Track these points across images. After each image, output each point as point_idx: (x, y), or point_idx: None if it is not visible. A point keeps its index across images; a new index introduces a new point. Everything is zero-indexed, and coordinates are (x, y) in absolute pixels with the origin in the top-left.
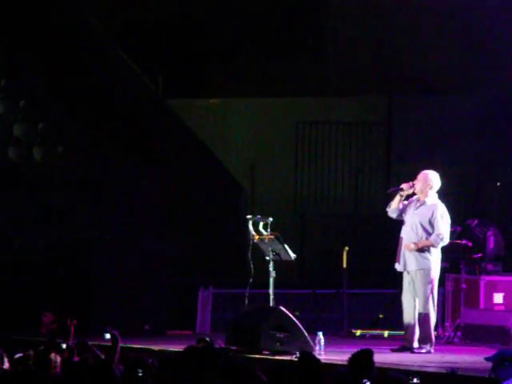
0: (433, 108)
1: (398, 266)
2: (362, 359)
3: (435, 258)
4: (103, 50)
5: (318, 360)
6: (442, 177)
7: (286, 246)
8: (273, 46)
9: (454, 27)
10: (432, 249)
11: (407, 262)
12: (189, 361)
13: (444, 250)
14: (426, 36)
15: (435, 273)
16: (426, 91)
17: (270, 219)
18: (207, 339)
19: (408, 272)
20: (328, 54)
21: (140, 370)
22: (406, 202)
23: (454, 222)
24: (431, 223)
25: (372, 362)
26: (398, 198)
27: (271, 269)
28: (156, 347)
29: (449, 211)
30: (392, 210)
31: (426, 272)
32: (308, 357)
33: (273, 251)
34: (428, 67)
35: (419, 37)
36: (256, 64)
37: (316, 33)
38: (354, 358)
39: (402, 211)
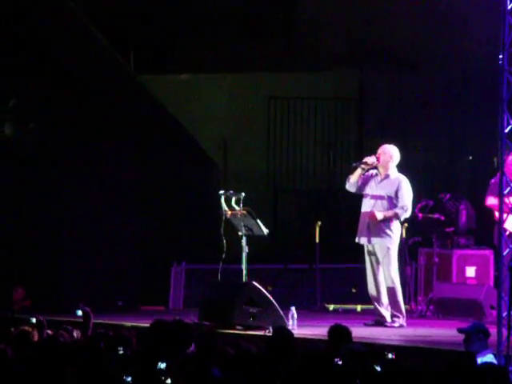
0: (404, 83)
1: (361, 240)
2: (340, 333)
3: (397, 230)
4: (74, 24)
5: (292, 334)
6: (415, 151)
7: (258, 221)
8: (244, 21)
9: (424, 1)
10: (394, 221)
11: (370, 234)
12: (157, 335)
13: (416, 224)
14: (396, 10)
15: (396, 245)
16: (398, 66)
17: (243, 194)
18: (177, 318)
19: (371, 245)
20: (299, 29)
21: (120, 348)
22: (362, 176)
23: (426, 195)
24: (397, 196)
25: (348, 337)
26: (359, 171)
27: (244, 244)
28: (128, 323)
29: (421, 185)
30: (351, 183)
31: (389, 243)
32: (282, 331)
33: (245, 226)
34: (399, 42)
35: (390, 11)
36: (227, 39)
37: (287, 7)
38: (332, 332)
39: (361, 186)
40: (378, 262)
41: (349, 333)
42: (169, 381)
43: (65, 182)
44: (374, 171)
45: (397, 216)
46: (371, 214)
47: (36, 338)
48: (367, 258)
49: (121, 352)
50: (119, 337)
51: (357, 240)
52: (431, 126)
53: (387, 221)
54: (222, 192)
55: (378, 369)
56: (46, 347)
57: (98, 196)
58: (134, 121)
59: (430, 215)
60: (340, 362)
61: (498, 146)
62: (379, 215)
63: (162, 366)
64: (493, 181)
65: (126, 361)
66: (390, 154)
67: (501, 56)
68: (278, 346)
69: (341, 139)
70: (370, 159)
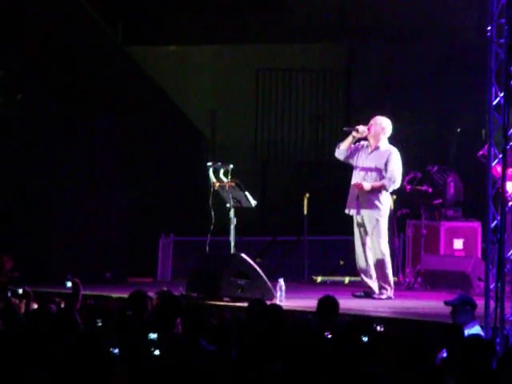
0: (392, 55)
1: (351, 211)
2: (328, 306)
3: (386, 202)
4: None
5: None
6: (402, 123)
7: (246, 192)
8: None
9: None
10: (383, 192)
11: (359, 206)
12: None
13: (404, 196)
14: None
15: (386, 216)
16: (386, 39)
17: (231, 166)
18: (165, 289)
19: (360, 216)
20: (289, 1)
21: (99, 320)
22: (352, 146)
23: (414, 168)
24: (386, 167)
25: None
26: (350, 139)
27: (232, 216)
28: (115, 294)
29: (409, 157)
30: (341, 150)
31: (378, 215)
32: (257, 304)
33: (233, 198)
34: (388, 15)
35: None
36: (216, 10)
37: None
38: (320, 304)
39: (350, 155)
40: (366, 234)
41: (336, 305)
42: (157, 352)
43: (52, 154)
44: (365, 142)
45: (384, 187)
46: (359, 185)
47: (23, 309)
48: (356, 229)
49: (99, 324)
50: (97, 308)
51: (346, 211)
52: (419, 99)
53: (376, 192)
54: (210, 164)
55: (365, 339)
56: (31, 320)
57: (85, 168)
58: (122, 92)
59: (418, 187)
60: (330, 336)
61: (486, 119)
62: (367, 185)
63: (153, 336)
64: (480, 153)
65: (104, 332)
66: (382, 125)
67: (489, 28)
68: (256, 317)
69: (329, 111)
70: (362, 128)
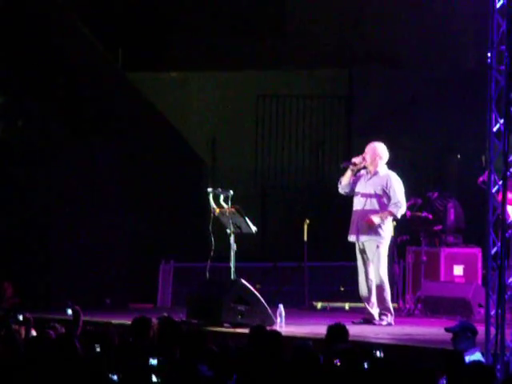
0: (393, 81)
1: (352, 237)
2: (338, 332)
3: (388, 228)
4: (62, 21)
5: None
6: (403, 149)
7: (246, 218)
8: (233, 19)
9: (413, 1)
10: (386, 220)
11: (360, 232)
12: (137, 331)
13: (404, 222)
14: (386, 9)
15: (387, 243)
16: (387, 64)
17: (231, 192)
18: (165, 314)
19: (361, 243)
20: (289, 28)
21: (97, 345)
22: (354, 178)
23: (415, 194)
24: (385, 192)
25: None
26: (349, 172)
27: (232, 242)
28: (115, 321)
29: (410, 183)
30: (343, 185)
31: (379, 242)
32: (258, 329)
33: (234, 224)
34: (388, 41)
35: (379, 10)
36: (217, 37)
37: (276, 6)
38: (330, 331)
39: (353, 186)
40: (368, 260)
41: (346, 332)
42: (155, 379)
43: (53, 180)
44: (365, 170)
45: (392, 214)
46: (368, 220)
47: (23, 335)
48: (358, 256)
49: (97, 350)
50: (96, 333)
51: (349, 238)
52: (420, 125)
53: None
54: (210, 190)
55: (366, 366)
56: (30, 347)
57: (86, 194)
58: (123, 118)
59: (418, 213)
60: (338, 363)
61: (486, 145)
62: (376, 219)
63: (154, 362)
64: (480, 179)
65: (103, 358)
66: (377, 151)
67: (489, 54)
68: (257, 344)
69: (329, 137)
70: (357, 159)
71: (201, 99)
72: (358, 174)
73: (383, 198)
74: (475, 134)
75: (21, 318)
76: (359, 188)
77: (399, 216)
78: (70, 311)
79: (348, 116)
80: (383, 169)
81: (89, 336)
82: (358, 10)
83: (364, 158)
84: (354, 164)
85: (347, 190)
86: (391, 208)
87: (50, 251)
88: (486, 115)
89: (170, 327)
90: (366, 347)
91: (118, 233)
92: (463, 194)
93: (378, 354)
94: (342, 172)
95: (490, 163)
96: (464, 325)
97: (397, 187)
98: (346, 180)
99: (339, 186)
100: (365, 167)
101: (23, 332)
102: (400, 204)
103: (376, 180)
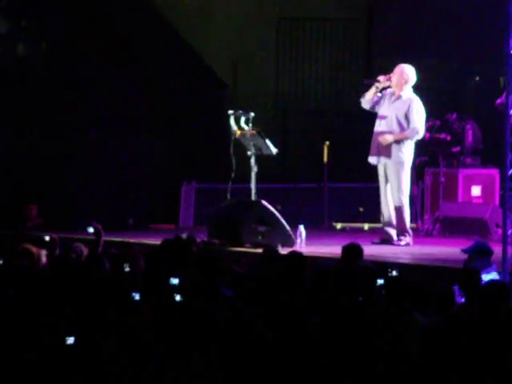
0: (412, 3)
1: (373, 159)
2: (353, 251)
3: (408, 151)
4: None
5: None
6: (422, 71)
7: (267, 140)
8: None
9: None
10: (406, 142)
11: (381, 154)
12: (164, 253)
13: (423, 143)
14: None
15: (408, 165)
16: None
17: (252, 114)
18: (184, 235)
19: (382, 164)
20: None
21: (126, 265)
22: (379, 95)
23: (433, 116)
24: (407, 117)
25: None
26: (373, 89)
27: (253, 163)
28: (136, 240)
29: (428, 105)
30: (366, 100)
31: (399, 164)
32: (268, 252)
33: (254, 146)
34: None
35: None
36: None
37: None
38: (346, 249)
39: (376, 103)
40: (387, 182)
41: (361, 250)
42: (178, 297)
43: (76, 104)
44: (390, 90)
45: (407, 138)
46: (382, 138)
47: (44, 258)
48: (380, 178)
49: (127, 269)
50: (125, 254)
51: (369, 160)
52: (438, 48)
53: (397, 142)
54: (231, 112)
55: (380, 282)
56: (54, 268)
57: (109, 117)
58: (145, 43)
59: (437, 135)
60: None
61: (505, 67)
62: (389, 138)
63: (175, 281)
64: (498, 101)
65: (132, 278)
66: (405, 74)
67: None
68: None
69: (349, 60)
70: (383, 78)
71: (221, 22)
72: (383, 93)
73: (404, 122)
74: (494, 55)
75: (47, 238)
76: (382, 110)
77: (414, 140)
78: (91, 229)
79: (367, 39)
80: (407, 92)
81: (115, 256)
82: None
83: (390, 78)
84: (378, 81)
85: (369, 105)
86: (408, 132)
87: (73, 172)
88: (504, 38)
89: (178, 247)
90: (382, 266)
91: (140, 155)
92: (481, 115)
93: (393, 273)
94: (362, 92)
95: (508, 85)
96: (479, 246)
97: (416, 113)
98: (369, 96)
99: (362, 99)
100: (389, 87)
101: (44, 254)
102: (417, 130)
103: (399, 103)
